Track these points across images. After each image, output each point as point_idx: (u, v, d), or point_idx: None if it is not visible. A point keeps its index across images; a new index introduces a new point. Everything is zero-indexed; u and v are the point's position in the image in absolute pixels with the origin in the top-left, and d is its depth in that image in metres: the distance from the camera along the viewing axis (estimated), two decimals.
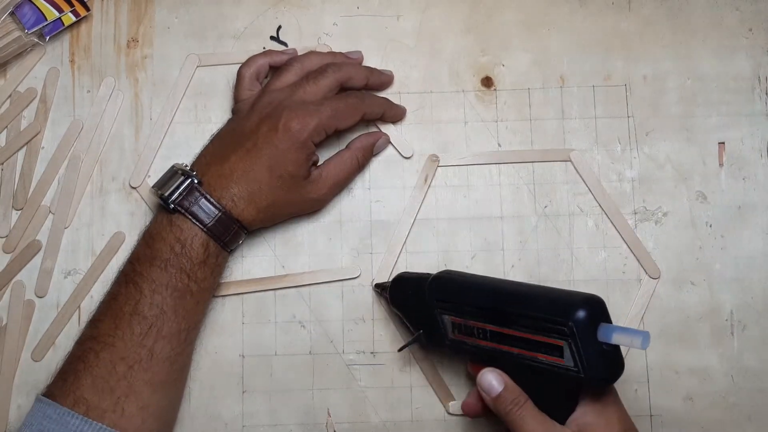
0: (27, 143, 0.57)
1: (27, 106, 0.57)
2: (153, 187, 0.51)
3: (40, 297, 0.55)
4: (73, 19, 0.57)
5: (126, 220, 0.56)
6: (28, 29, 0.56)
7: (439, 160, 0.56)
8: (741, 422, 0.53)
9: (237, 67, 0.57)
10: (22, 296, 0.55)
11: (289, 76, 0.53)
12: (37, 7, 0.56)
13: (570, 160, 0.56)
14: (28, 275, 0.55)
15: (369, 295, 0.55)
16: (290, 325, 0.55)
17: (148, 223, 0.51)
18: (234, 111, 0.55)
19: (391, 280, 0.53)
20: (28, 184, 0.56)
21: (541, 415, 0.43)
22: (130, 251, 0.51)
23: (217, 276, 0.51)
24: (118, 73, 0.58)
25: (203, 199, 0.49)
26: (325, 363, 0.54)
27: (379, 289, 0.54)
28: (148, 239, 0.50)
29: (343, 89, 0.54)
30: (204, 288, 0.50)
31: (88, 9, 0.58)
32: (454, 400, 0.54)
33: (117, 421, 0.46)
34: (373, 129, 0.57)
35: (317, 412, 0.54)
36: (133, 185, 0.56)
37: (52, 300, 0.55)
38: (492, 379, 0.45)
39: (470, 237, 0.56)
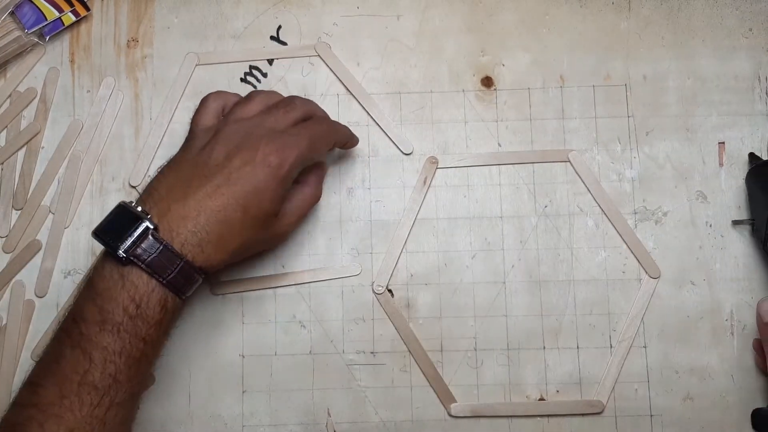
0: (27, 143, 0.57)
1: (27, 105, 0.57)
2: (96, 232, 0.43)
3: (40, 297, 0.55)
4: (73, 18, 0.57)
5: None
6: (28, 29, 0.56)
7: (438, 162, 0.56)
8: (741, 422, 0.53)
9: (236, 65, 0.57)
10: (22, 296, 0.55)
11: (254, 105, 0.49)
12: (37, 6, 0.56)
13: (569, 161, 0.56)
14: (28, 275, 0.55)
15: (369, 295, 0.55)
16: (290, 325, 0.55)
17: (89, 270, 0.44)
18: (190, 138, 0.48)
19: (759, 162, 0.54)
20: (28, 183, 0.56)
21: None
22: (70, 302, 0.44)
23: (171, 329, 0.45)
24: (118, 72, 0.58)
25: (162, 248, 0.42)
26: (325, 363, 0.54)
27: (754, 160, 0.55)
28: (94, 296, 0.42)
29: None
30: (159, 346, 0.44)
31: (88, 9, 0.58)
32: (456, 401, 0.54)
33: None
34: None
35: (317, 411, 0.54)
36: (132, 184, 0.56)
37: (52, 300, 0.55)
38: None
39: (470, 237, 0.56)
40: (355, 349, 0.55)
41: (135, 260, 0.42)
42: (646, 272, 0.55)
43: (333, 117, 0.57)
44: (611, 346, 0.54)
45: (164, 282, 0.42)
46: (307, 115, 0.50)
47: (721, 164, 0.57)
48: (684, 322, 0.55)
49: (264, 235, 0.47)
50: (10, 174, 0.56)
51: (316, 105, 0.52)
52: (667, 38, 0.58)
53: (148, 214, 0.43)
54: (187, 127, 0.54)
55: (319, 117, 0.51)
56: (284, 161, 0.45)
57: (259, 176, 0.45)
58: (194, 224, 0.43)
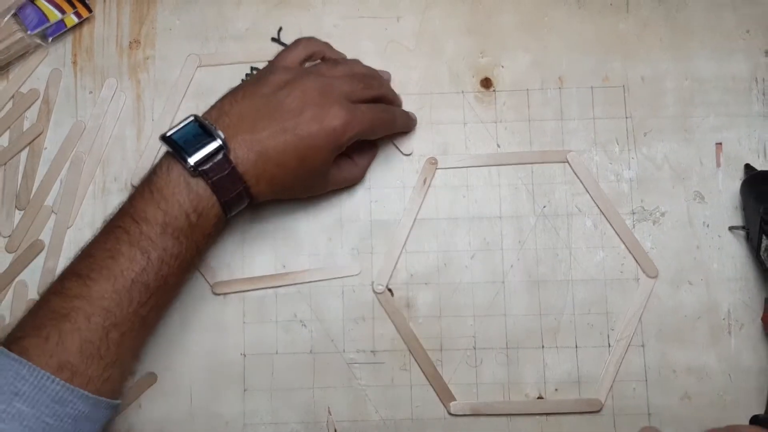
0: (30, 144, 0.57)
1: (30, 107, 0.57)
2: (168, 138, 0.45)
3: None
4: (76, 20, 0.58)
5: None
6: (31, 31, 0.57)
7: (437, 163, 0.57)
8: (738, 421, 0.53)
9: (237, 67, 0.57)
10: (25, 296, 0.55)
11: (340, 69, 0.51)
12: (40, 8, 0.57)
13: (567, 161, 0.57)
14: (30, 275, 0.56)
15: (369, 295, 0.55)
16: (291, 324, 0.55)
17: (151, 171, 0.46)
18: (269, 72, 0.50)
19: (754, 172, 0.55)
20: (31, 184, 0.56)
21: None
22: (127, 200, 0.46)
23: (212, 244, 0.49)
24: (120, 74, 0.58)
25: (230, 171, 0.45)
26: (325, 362, 0.55)
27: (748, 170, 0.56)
28: (159, 198, 0.44)
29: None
30: (203, 256, 0.48)
31: (90, 10, 0.58)
32: (455, 400, 0.54)
33: (100, 387, 0.43)
34: None
35: (318, 410, 0.54)
36: (134, 184, 0.56)
37: None
38: None
39: (469, 237, 0.56)
40: (355, 348, 0.55)
41: (203, 174, 0.44)
42: (644, 272, 0.55)
43: None
44: (609, 345, 0.55)
45: (223, 201, 0.45)
46: (381, 97, 0.53)
47: (718, 165, 0.57)
48: (682, 321, 0.55)
49: (305, 187, 0.51)
50: (13, 174, 0.57)
51: (393, 91, 0.55)
52: (665, 40, 0.58)
53: (221, 133, 0.45)
54: None
55: (389, 106, 0.54)
56: (346, 131, 0.48)
57: (321, 135, 0.47)
58: (256, 157, 0.46)
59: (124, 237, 0.44)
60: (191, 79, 0.58)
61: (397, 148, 0.57)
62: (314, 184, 0.52)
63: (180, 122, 0.46)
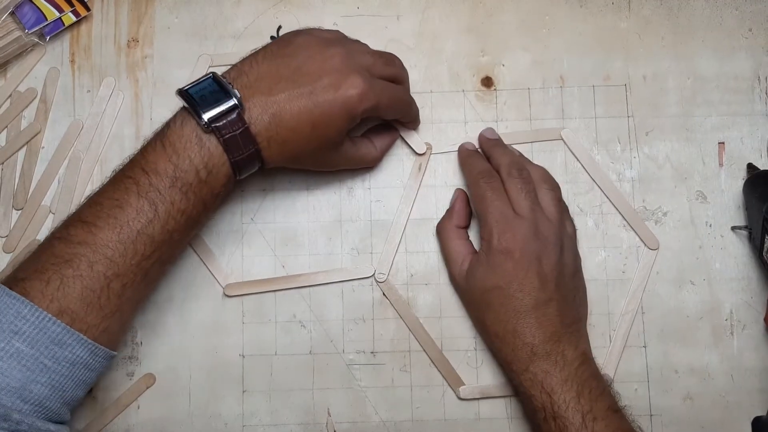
0: (27, 143, 0.57)
1: (27, 106, 0.57)
2: (183, 92, 0.45)
3: None
4: (74, 19, 0.57)
5: None
6: (29, 29, 0.56)
7: (431, 148, 0.56)
8: (741, 422, 0.53)
9: None
10: None
11: (360, 45, 0.52)
12: (38, 7, 0.57)
13: (561, 138, 0.56)
14: None
15: (369, 295, 0.55)
16: (290, 325, 0.55)
17: (165, 125, 0.46)
18: (297, 33, 0.50)
19: (756, 172, 0.55)
20: (29, 183, 0.56)
21: None
22: (138, 151, 0.46)
23: (220, 206, 0.49)
24: (118, 73, 0.58)
25: (243, 130, 0.44)
26: (325, 363, 0.54)
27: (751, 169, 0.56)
28: (170, 152, 0.44)
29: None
30: (211, 215, 0.47)
31: (88, 9, 0.58)
32: (464, 384, 0.54)
33: (98, 336, 0.43)
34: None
35: (317, 411, 0.54)
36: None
37: None
38: None
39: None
40: (355, 349, 0.55)
41: (216, 132, 0.44)
42: (645, 244, 0.55)
43: None
44: (611, 345, 0.54)
45: (233, 160, 0.45)
46: (399, 79, 0.52)
47: (720, 164, 0.57)
48: (684, 321, 0.55)
49: (316, 157, 0.50)
50: (10, 174, 0.56)
51: (408, 78, 0.54)
52: (666, 38, 0.58)
53: (238, 93, 0.45)
54: None
55: (406, 87, 0.53)
56: (361, 102, 0.47)
57: (337, 102, 0.46)
58: (270, 119, 0.45)
59: (132, 187, 0.44)
60: None
61: (410, 147, 0.57)
62: (327, 156, 0.50)
63: (198, 79, 0.46)
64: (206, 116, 0.44)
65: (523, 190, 0.51)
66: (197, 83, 0.46)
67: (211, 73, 0.46)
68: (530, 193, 0.51)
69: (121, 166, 0.46)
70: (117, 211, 0.43)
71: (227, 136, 0.44)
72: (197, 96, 0.45)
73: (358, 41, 0.52)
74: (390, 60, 0.52)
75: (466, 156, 0.55)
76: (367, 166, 0.55)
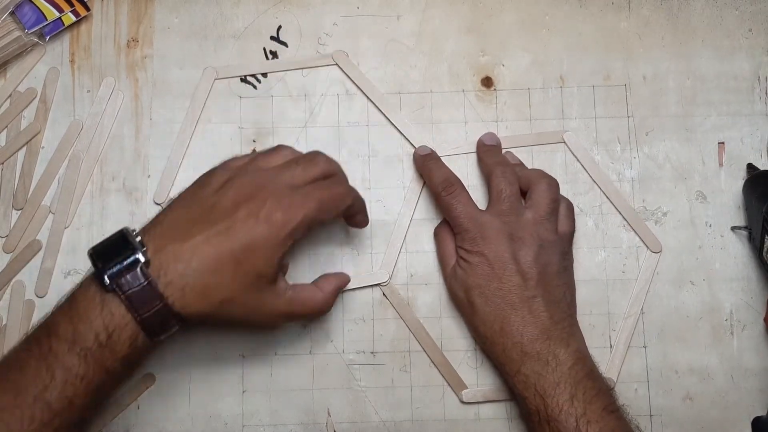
0: (27, 143, 0.57)
1: (27, 106, 0.57)
2: (91, 252, 0.43)
3: (40, 297, 0.55)
4: (73, 18, 0.57)
5: (126, 219, 0.56)
6: (28, 29, 0.56)
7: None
8: (741, 422, 0.53)
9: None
10: (22, 296, 0.55)
11: (276, 158, 0.47)
12: (37, 6, 0.56)
13: (564, 141, 0.56)
14: (28, 275, 0.55)
15: (369, 295, 0.55)
16: (290, 325, 0.55)
17: (76, 286, 0.44)
18: (210, 174, 0.47)
19: (756, 172, 0.55)
20: (28, 183, 0.56)
21: None
22: (50, 312, 0.43)
23: (136, 369, 0.44)
24: (118, 73, 0.58)
25: (146, 284, 0.41)
26: (325, 363, 0.54)
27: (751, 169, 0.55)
28: (72, 314, 0.42)
29: None
30: (121, 379, 0.43)
31: (88, 9, 0.58)
32: (467, 388, 0.54)
33: None
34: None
35: (317, 411, 0.54)
36: (157, 201, 0.56)
37: (52, 300, 0.55)
38: None
39: None
40: (355, 349, 0.55)
41: (117, 289, 0.41)
42: (647, 247, 0.55)
43: (333, 117, 0.57)
44: (611, 346, 0.54)
45: (139, 319, 0.41)
46: (327, 174, 0.48)
47: (720, 164, 0.57)
48: (684, 322, 0.55)
49: (253, 299, 0.44)
50: (10, 174, 0.56)
51: (339, 166, 0.49)
52: (666, 38, 0.58)
53: (144, 247, 0.42)
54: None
55: (339, 178, 0.49)
56: (289, 220, 0.43)
57: (259, 231, 0.43)
58: (184, 267, 0.42)
59: (35, 349, 0.41)
60: (209, 94, 0.57)
61: (412, 145, 0.56)
62: (261, 298, 0.45)
63: (109, 236, 0.44)
64: (107, 274, 0.41)
65: (503, 191, 0.51)
66: (106, 240, 0.43)
67: (123, 228, 0.44)
68: (511, 196, 0.51)
69: (38, 322, 0.44)
70: (16, 373, 0.41)
71: (129, 292, 0.41)
72: (102, 254, 0.42)
73: (277, 150, 0.48)
74: (310, 160, 0.47)
75: (420, 166, 0.55)
76: (314, 312, 0.49)
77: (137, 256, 0.41)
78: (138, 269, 0.41)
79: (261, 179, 0.45)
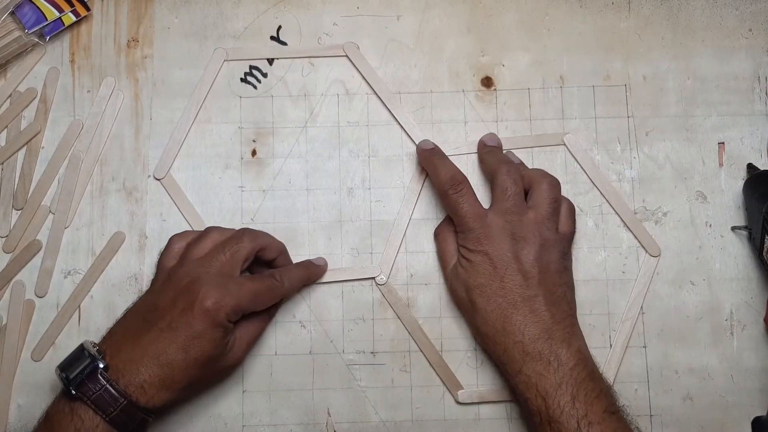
0: (27, 143, 0.57)
1: (27, 105, 0.57)
2: (58, 367, 0.46)
3: (40, 297, 0.55)
4: (74, 18, 0.57)
5: (126, 219, 0.56)
6: (29, 29, 0.56)
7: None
8: (741, 422, 0.53)
9: (237, 65, 0.57)
10: (22, 296, 0.55)
11: (206, 244, 0.51)
12: (38, 6, 0.56)
13: (564, 144, 0.56)
14: (28, 275, 0.55)
15: (369, 295, 0.55)
16: (290, 325, 0.55)
17: (48, 406, 0.47)
18: (154, 280, 0.52)
19: (756, 172, 0.55)
20: (28, 183, 0.56)
21: None
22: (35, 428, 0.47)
23: None
24: (118, 73, 0.58)
25: (106, 387, 0.44)
26: (325, 363, 0.54)
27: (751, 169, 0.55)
28: (48, 427, 0.45)
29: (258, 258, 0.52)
30: None
31: (88, 9, 0.58)
32: (462, 388, 0.54)
33: None
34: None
35: (317, 411, 0.54)
36: (157, 177, 0.56)
37: (52, 300, 0.55)
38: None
39: None
40: (355, 349, 0.55)
41: (83, 396, 0.44)
42: (646, 251, 0.55)
43: (333, 117, 0.57)
44: (611, 346, 0.54)
45: (107, 419, 0.44)
46: (259, 250, 0.51)
47: (720, 164, 0.57)
48: (684, 322, 0.55)
49: (211, 373, 0.49)
50: (10, 174, 0.56)
51: (270, 238, 0.53)
52: (666, 38, 0.58)
53: (101, 354, 0.46)
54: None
55: (276, 271, 0.52)
56: (221, 309, 0.47)
57: (196, 321, 0.46)
58: (138, 366, 0.45)
59: None
60: (217, 74, 0.57)
61: (412, 141, 0.57)
62: (216, 369, 0.49)
63: (72, 351, 0.47)
64: (72, 385, 0.45)
65: (508, 189, 0.51)
66: (69, 356, 0.47)
67: (82, 342, 0.47)
68: (515, 194, 0.51)
69: None
70: None
71: (93, 396, 0.44)
72: (67, 367, 0.46)
73: (207, 234, 0.51)
74: (236, 243, 0.50)
75: (424, 161, 0.55)
76: (262, 331, 0.53)
77: (96, 363, 0.45)
78: (99, 374, 0.45)
79: (193, 271, 0.48)
